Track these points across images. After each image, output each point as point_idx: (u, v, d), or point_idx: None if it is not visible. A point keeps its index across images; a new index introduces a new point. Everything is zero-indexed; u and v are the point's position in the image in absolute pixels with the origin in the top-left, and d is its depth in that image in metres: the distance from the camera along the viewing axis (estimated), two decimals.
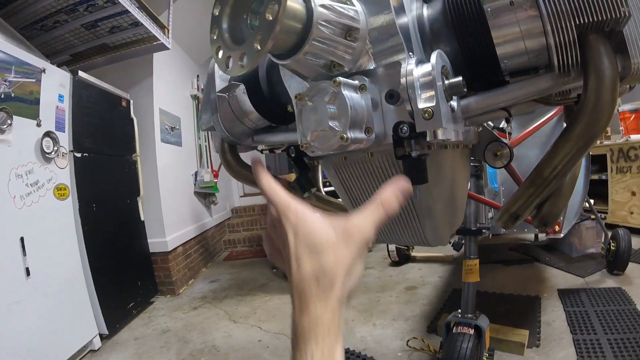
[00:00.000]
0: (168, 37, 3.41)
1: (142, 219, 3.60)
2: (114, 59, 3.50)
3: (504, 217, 0.82)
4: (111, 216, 3.20)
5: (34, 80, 2.45)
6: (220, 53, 0.54)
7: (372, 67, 0.60)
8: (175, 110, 4.36)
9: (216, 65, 0.93)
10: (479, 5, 0.60)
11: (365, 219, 0.41)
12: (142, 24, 3.03)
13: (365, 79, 0.58)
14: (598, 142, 4.89)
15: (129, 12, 2.80)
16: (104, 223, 3.09)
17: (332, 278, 0.38)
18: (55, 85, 2.66)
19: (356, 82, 0.57)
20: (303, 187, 0.74)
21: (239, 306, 3.35)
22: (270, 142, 0.95)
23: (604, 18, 0.52)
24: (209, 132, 1.10)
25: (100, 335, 2.80)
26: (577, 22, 0.53)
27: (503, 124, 1.72)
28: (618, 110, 4.45)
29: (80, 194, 2.80)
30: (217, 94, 0.89)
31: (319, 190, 1.15)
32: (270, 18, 0.46)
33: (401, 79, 0.55)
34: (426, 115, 0.51)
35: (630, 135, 4.18)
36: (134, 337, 2.92)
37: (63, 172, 2.67)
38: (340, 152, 0.62)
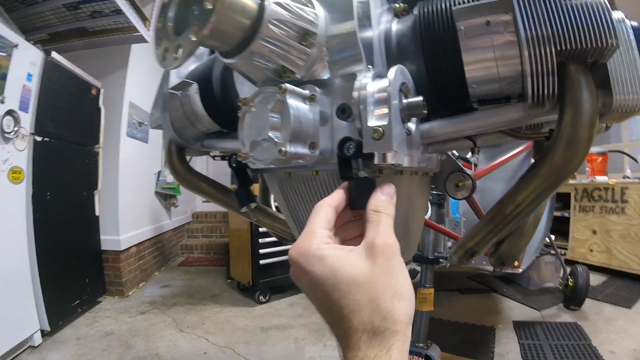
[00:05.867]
0: (149, 30, 3.35)
1: (97, 214, 3.46)
2: (91, 45, 3.43)
3: (460, 252, 0.78)
4: (65, 207, 3.06)
5: (4, 54, 2.34)
6: (161, 44, 0.49)
7: (326, 77, 0.54)
8: (146, 106, 4.21)
9: None
10: (452, 22, 0.55)
11: (377, 233, 0.39)
12: (123, 12, 2.98)
13: (317, 89, 0.52)
14: None
15: None
16: (57, 213, 2.94)
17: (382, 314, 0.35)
18: (25, 63, 2.56)
19: (306, 91, 0.51)
20: (241, 201, 0.67)
21: (187, 315, 3.24)
22: (219, 148, 0.88)
23: (589, 46, 0.48)
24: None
25: (42, 332, 2.65)
26: (559, 49, 0.48)
27: (474, 157, 1.71)
28: None
29: (36, 180, 2.67)
30: (169, 90, 0.83)
31: (266, 204, 1.09)
32: (210, 7, 0.41)
33: (353, 93, 0.50)
34: (376, 135, 0.46)
35: (596, 177, 4.30)
36: (76, 336, 2.78)
37: (21, 154, 2.54)
38: (283, 167, 0.56)
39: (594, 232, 4.08)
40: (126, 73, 3.80)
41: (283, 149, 0.46)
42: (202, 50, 0.92)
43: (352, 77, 0.52)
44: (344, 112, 0.49)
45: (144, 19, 3.27)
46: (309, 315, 3.14)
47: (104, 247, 3.60)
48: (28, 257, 2.60)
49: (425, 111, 0.51)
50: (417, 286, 1.91)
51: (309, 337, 2.73)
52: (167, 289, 3.98)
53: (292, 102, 0.48)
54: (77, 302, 3.12)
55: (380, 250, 0.38)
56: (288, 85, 0.48)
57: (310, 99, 0.51)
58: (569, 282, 3.03)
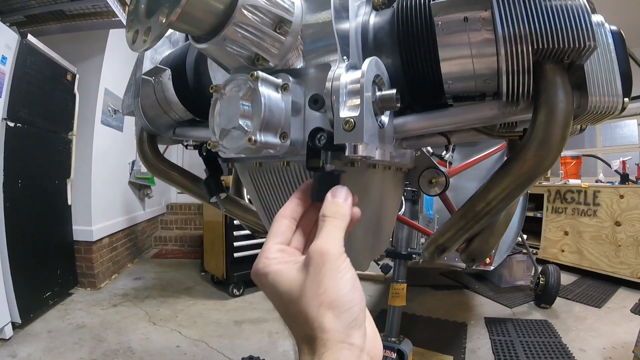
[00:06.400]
0: None
1: (69, 203, 3.37)
2: (69, 28, 3.37)
3: (431, 248, 0.78)
4: (37, 195, 2.98)
5: None
6: (132, 26, 0.47)
7: (300, 67, 0.54)
8: (121, 93, 4.07)
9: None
10: (430, 17, 0.55)
11: (316, 240, 0.39)
12: None
13: (290, 78, 0.51)
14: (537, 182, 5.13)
15: None
16: (28, 202, 2.86)
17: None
18: (0, 45, 2.47)
19: (279, 80, 0.50)
20: (210, 190, 0.66)
21: (160, 308, 3.20)
22: (191, 136, 0.86)
23: (566, 47, 0.48)
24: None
25: (13, 324, 2.58)
26: (536, 48, 0.48)
27: (448, 155, 1.73)
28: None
29: (7, 167, 2.59)
30: (142, 76, 0.80)
31: (239, 195, 1.07)
32: None
33: (327, 83, 0.49)
34: (347, 126, 0.45)
35: (569, 180, 4.41)
36: (47, 329, 2.72)
37: None
38: (254, 156, 0.55)
39: (566, 233, 4.19)
40: (103, 59, 3.71)
41: (253, 137, 0.45)
42: (177, 36, 0.90)
43: (326, 67, 0.51)
44: (317, 102, 0.48)
45: (123, 3, 3.21)
46: None
47: (76, 237, 3.52)
48: None
49: (399, 104, 0.51)
50: (390, 281, 1.93)
51: (283, 331, 2.73)
52: (140, 282, 3.92)
53: (263, 90, 0.47)
54: (49, 293, 3.05)
55: (312, 258, 0.37)
56: (260, 73, 0.47)
57: (283, 88, 0.50)
58: (540, 281, 3.10)
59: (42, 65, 2.95)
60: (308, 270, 0.37)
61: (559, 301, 3.14)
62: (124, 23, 3.25)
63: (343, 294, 0.36)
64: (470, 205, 0.68)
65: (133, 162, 4.62)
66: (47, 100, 3.06)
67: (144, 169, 4.58)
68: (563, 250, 4.20)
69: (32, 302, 2.82)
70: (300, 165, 0.58)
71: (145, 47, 0.44)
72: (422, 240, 2.06)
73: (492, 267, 2.70)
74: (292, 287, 0.37)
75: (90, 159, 3.65)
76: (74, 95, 3.38)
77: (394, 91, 0.50)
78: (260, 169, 0.62)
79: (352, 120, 0.45)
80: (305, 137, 0.50)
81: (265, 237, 0.45)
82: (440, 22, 0.53)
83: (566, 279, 3.73)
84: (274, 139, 0.48)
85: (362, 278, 3.86)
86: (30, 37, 2.78)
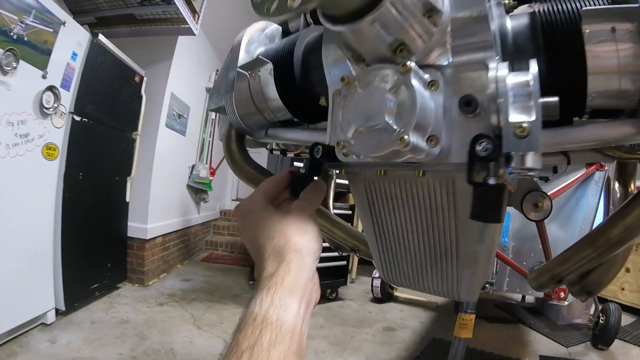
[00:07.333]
0: (197, 23, 3.37)
1: (128, 200, 3.45)
2: (138, 33, 3.46)
3: (543, 278, 0.70)
4: (96, 189, 3.06)
5: (51, 30, 2.35)
6: None
7: (445, 63, 0.48)
8: (186, 99, 4.27)
9: (244, 39, 0.79)
10: (577, 25, 0.48)
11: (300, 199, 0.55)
12: (174, 2, 2.99)
13: (438, 74, 0.45)
14: None
15: None
16: (87, 195, 2.94)
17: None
18: (71, 42, 2.57)
19: (427, 75, 0.44)
20: None
21: (206, 312, 3.18)
22: (287, 139, 0.79)
23: None
24: (215, 127, 0.97)
25: (56, 310, 2.63)
26: None
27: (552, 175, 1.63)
28: None
29: (70, 159, 2.67)
30: (238, 69, 0.75)
31: (326, 205, 1.01)
32: None
33: (489, 84, 0.43)
34: (519, 131, 0.39)
35: None
36: (90, 320, 2.75)
37: (57, 131, 2.54)
38: (385, 162, 0.49)
39: (627, 270, 3.93)
40: (171, 64, 3.81)
41: (406, 137, 0.39)
42: (274, 29, 0.85)
43: (479, 66, 0.45)
44: (469, 104, 0.42)
45: (193, 11, 3.28)
46: (330, 326, 3.05)
47: (130, 234, 3.60)
48: (53, 234, 2.60)
49: (559, 114, 0.44)
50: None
51: (329, 350, 2.64)
52: (188, 283, 3.93)
53: (416, 84, 0.41)
54: (96, 285, 3.11)
55: (297, 205, 0.53)
56: (413, 64, 0.41)
57: (432, 85, 0.44)
58: (600, 320, 2.91)
59: (111, 65, 3.05)
60: (292, 210, 0.52)
61: (616, 343, 2.93)
62: (193, 31, 3.34)
63: (313, 231, 0.50)
64: (602, 231, 0.61)
65: (192, 167, 4.71)
66: (114, 98, 3.15)
67: (202, 174, 4.68)
68: (623, 289, 3.94)
69: (78, 292, 2.87)
70: (437, 177, 0.51)
71: (292, 14, 0.38)
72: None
73: (566, 302, 2.54)
74: (275, 216, 0.51)
75: (152, 159, 3.73)
76: (141, 97, 3.48)
77: (556, 99, 0.44)
78: (382, 178, 0.55)
79: (526, 124, 0.38)
80: (451, 143, 0.44)
81: (348, 254, 0.42)
82: (588, 30, 0.47)
83: (624, 319, 3.47)
84: (422, 143, 0.42)
85: (414, 303, 3.75)
86: (101, 37, 2.87)
